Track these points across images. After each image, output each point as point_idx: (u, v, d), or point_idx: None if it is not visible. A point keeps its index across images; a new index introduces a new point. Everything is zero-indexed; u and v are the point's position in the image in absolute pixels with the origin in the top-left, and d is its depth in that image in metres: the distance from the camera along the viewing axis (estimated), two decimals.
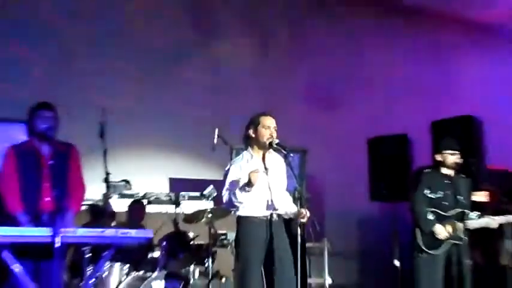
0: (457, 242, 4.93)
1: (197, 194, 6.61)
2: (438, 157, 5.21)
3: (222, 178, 4.47)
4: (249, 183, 3.93)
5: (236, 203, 4.10)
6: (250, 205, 4.15)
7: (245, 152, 4.38)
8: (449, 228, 4.88)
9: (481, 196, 6.25)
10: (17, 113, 6.21)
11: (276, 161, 4.37)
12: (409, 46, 9.76)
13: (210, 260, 5.30)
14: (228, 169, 4.36)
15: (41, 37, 7.17)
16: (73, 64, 7.34)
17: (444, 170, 5.16)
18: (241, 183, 4.05)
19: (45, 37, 7.20)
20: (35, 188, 3.97)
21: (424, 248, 4.97)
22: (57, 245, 3.42)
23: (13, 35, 6.95)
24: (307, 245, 6.10)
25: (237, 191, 4.05)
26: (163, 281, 4.98)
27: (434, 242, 4.92)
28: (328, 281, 7.12)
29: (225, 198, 4.25)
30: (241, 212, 4.20)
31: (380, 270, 7.27)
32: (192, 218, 5.63)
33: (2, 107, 6.75)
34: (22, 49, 7.01)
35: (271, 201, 4.19)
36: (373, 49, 9.41)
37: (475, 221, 4.98)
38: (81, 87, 7.29)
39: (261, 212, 4.16)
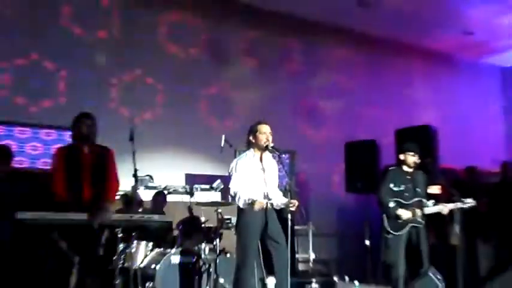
0: (416, 225, 5.00)
1: (207, 186, 6.63)
2: (401, 156, 5.26)
3: (227, 173, 4.52)
4: (251, 205, 4.07)
5: (238, 202, 4.19)
6: (248, 196, 4.18)
7: (248, 151, 4.41)
8: (409, 213, 4.96)
9: (434, 189, 6.28)
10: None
11: (270, 162, 4.44)
12: (379, 71, 9.81)
13: (218, 239, 5.33)
14: (236, 164, 4.38)
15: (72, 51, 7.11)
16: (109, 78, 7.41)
17: (405, 168, 5.20)
18: (248, 197, 4.13)
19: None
20: (78, 182, 3.95)
21: (390, 230, 5.03)
22: (95, 226, 3.47)
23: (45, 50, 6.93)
24: (295, 227, 6.14)
25: (242, 199, 4.14)
26: (179, 256, 5.01)
27: (398, 225, 4.98)
28: (312, 256, 7.14)
29: (232, 190, 4.28)
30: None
31: (354, 248, 7.30)
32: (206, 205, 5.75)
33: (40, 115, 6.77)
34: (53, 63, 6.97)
35: (267, 193, 4.25)
36: (347, 73, 9.50)
37: (431, 207, 5.06)
38: (113, 99, 7.36)
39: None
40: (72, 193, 3.93)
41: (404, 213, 4.95)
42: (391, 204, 5.01)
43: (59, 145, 4.28)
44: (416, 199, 5.07)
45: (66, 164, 4.00)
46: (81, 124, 4.05)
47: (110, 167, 4.16)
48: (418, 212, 4.99)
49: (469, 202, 5.10)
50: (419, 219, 5.02)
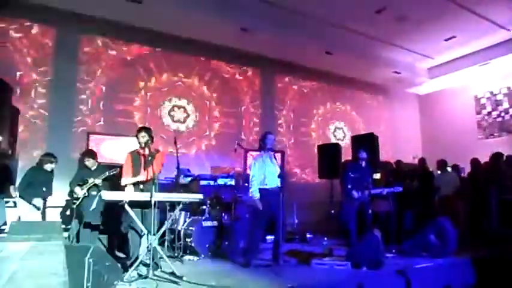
0: (363, 200, 4.92)
1: (225, 175, 6.59)
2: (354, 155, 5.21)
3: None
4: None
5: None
6: (260, 181, 4.22)
7: (260, 152, 4.41)
8: (359, 193, 4.88)
9: (377, 175, 6.24)
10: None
11: (273, 157, 4.39)
12: (343, 101, 9.82)
13: (233, 210, 5.30)
14: (254, 161, 4.38)
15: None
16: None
17: (360, 161, 5.12)
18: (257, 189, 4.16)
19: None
20: (137, 171, 3.94)
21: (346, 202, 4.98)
22: (152, 201, 3.44)
23: None
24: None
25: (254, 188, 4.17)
26: (208, 222, 4.99)
27: (352, 199, 4.91)
28: (296, 220, 7.07)
29: (250, 183, 4.24)
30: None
31: (323, 215, 7.19)
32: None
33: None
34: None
35: (270, 179, 4.20)
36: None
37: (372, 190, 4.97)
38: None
39: (264, 185, 4.20)
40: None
41: (355, 193, 4.88)
42: (349, 186, 4.95)
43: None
44: (364, 184, 4.95)
45: (132, 161, 4.03)
46: (139, 136, 4.04)
47: (156, 161, 4.03)
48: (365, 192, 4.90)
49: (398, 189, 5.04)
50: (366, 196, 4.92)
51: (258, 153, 4.44)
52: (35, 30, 6.18)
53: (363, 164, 5.09)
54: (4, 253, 1.35)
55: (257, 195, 4.15)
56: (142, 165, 3.93)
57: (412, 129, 10.90)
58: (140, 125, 4.34)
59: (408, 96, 11.04)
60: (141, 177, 3.89)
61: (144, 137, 4.00)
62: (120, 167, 4.15)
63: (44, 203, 4.91)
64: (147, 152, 4.01)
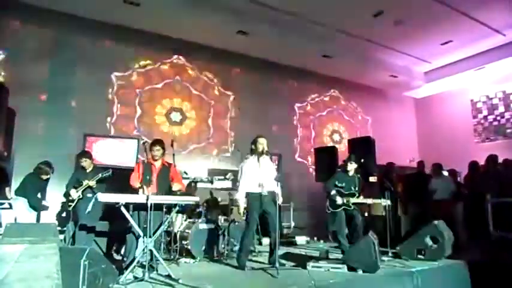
0: (347, 208, 4.91)
1: (222, 177, 6.58)
2: (345, 164, 5.17)
3: (237, 168, 4.46)
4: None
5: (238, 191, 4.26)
6: (250, 185, 4.17)
7: (251, 156, 4.35)
8: (344, 200, 4.88)
9: (373, 179, 6.24)
10: None
11: (266, 161, 4.32)
12: (340, 104, 9.83)
13: (229, 212, 5.29)
14: (243, 165, 4.34)
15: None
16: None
17: (348, 171, 5.08)
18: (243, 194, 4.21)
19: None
20: (147, 181, 4.01)
21: (330, 209, 5.00)
22: (149, 204, 3.44)
23: None
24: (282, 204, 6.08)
25: (238, 194, 4.24)
26: (204, 224, 4.97)
27: (336, 205, 4.92)
28: (292, 224, 7.07)
29: (239, 184, 4.28)
30: (247, 189, 4.21)
31: (318, 218, 7.16)
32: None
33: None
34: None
35: (262, 183, 4.13)
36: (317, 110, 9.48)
37: (359, 199, 4.93)
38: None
39: (255, 189, 4.16)
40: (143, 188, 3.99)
41: (339, 199, 4.89)
42: (333, 192, 4.96)
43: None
44: (351, 192, 4.94)
45: (142, 170, 4.06)
46: (154, 149, 4.15)
47: (173, 173, 4.22)
48: (350, 200, 4.88)
49: (384, 201, 4.97)
50: (350, 205, 4.89)
51: (251, 157, 4.40)
52: (33, 31, 6.17)
53: (351, 173, 5.05)
54: None
55: (240, 200, 4.16)
56: (155, 177, 4.02)
57: (409, 133, 10.95)
58: (156, 138, 4.50)
59: (405, 99, 11.09)
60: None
61: (158, 150, 4.14)
62: (114, 168, 4.15)
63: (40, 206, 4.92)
64: (158, 164, 4.11)
